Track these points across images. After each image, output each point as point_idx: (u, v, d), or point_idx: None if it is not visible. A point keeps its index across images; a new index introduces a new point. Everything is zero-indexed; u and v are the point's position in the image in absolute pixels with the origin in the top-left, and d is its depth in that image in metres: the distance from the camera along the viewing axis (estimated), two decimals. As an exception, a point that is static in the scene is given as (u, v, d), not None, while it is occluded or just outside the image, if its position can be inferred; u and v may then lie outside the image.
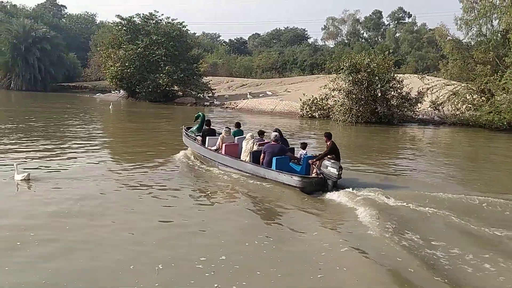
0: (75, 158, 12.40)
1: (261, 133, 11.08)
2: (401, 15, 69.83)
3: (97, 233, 6.67)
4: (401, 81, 23.99)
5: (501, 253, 6.18)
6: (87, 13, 72.95)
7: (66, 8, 76.17)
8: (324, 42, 72.28)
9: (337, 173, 8.84)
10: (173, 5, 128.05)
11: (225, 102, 34.74)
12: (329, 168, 8.94)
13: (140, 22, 37.52)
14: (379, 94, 23.87)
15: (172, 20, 37.55)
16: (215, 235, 6.71)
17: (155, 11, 37.79)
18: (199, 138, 12.17)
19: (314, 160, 9.51)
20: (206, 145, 11.58)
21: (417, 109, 24.50)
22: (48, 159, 12.08)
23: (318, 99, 26.32)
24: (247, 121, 25.20)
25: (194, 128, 13.25)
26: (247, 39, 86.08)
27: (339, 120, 23.56)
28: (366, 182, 9.78)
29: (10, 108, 32.37)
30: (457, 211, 7.89)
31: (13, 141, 14.80)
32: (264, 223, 7.68)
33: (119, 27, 37.67)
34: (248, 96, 34.85)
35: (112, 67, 35.96)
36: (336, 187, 9.03)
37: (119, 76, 36.33)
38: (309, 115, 26.34)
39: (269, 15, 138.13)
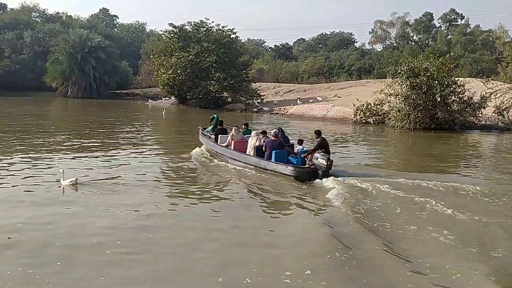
0: (126, 163, 12.78)
1: (263, 133, 12.61)
2: (453, 16, 67.19)
3: (161, 243, 6.76)
4: (463, 85, 22.98)
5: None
6: (138, 22, 75.39)
7: (118, 18, 79.06)
8: (372, 45, 70.87)
9: (325, 163, 10.58)
10: (218, 12, 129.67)
11: (275, 108, 34.62)
12: (319, 159, 10.68)
13: (191, 30, 38.15)
14: (439, 99, 22.97)
15: (223, 27, 37.94)
16: (285, 245, 6.90)
17: (205, 18, 38.40)
18: (212, 136, 14.14)
19: (306, 154, 11.20)
20: (218, 142, 13.47)
21: (479, 115, 23.38)
22: (98, 164, 12.53)
23: (372, 105, 25.70)
24: (298, 127, 24.99)
25: (209, 128, 15.14)
26: (292, 45, 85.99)
27: (397, 126, 22.83)
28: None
29: (67, 114, 33.90)
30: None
31: (67, 146, 15.40)
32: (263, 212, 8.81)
33: (171, 35, 38.45)
34: (298, 101, 34.55)
35: (164, 74, 36.76)
36: (327, 176, 10.66)
37: (171, 83, 37.08)
38: (363, 121, 25.75)
39: (313, 20, 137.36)
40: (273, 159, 11.31)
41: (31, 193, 9.34)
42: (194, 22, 38.22)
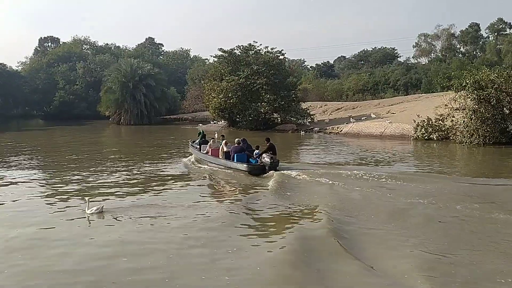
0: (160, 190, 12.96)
1: (238, 142, 15.89)
2: (501, 26, 65.14)
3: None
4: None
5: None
6: (182, 49, 77.55)
7: (163, 46, 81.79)
8: (417, 59, 69.58)
9: (269, 161, 14.26)
10: (259, 36, 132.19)
11: (327, 128, 34.29)
12: (266, 159, 14.45)
13: (240, 54, 38.75)
14: (507, 111, 22.03)
15: (271, 48, 38.32)
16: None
17: (254, 41, 38.96)
18: (197, 146, 18.27)
19: (257, 155, 15.02)
20: (201, 150, 17.48)
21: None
22: (129, 190, 12.76)
23: (434, 120, 24.96)
24: (356, 146, 24.55)
25: (197, 141, 19.17)
26: (332, 62, 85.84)
27: (465, 142, 21.96)
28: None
29: (121, 140, 35.00)
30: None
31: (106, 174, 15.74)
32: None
33: (221, 59, 39.18)
34: (350, 119, 34.09)
35: (215, 98, 37.36)
36: (276, 170, 14.11)
37: (222, 107, 37.60)
38: (425, 137, 25.00)
39: (353, 37, 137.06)
40: (235, 160, 15.17)
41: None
42: (242, 46, 38.82)
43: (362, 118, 35.16)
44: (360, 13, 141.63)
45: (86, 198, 10.06)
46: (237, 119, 38.08)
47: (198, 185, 14.01)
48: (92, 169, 16.80)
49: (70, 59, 66.97)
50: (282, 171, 14.06)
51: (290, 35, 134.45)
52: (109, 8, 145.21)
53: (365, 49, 78.65)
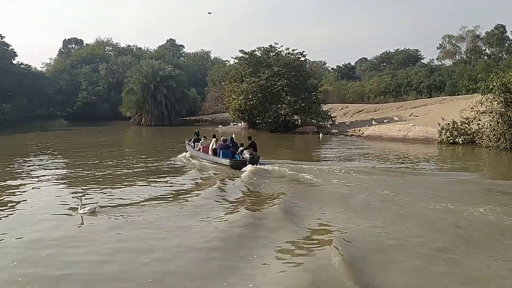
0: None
1: (224, 140, 18.21)
2: (528, 27, 63.39)
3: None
4: None
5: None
6: (203, 51, 77.88)
7: (184, 47, 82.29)
8: (441, 61, 68.20)
9: (249, 157, 16.29)
10: (280, 37, 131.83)
11: (348, 130, 33.85)
12: (246, 155, 16.53)
13: (260, 55, 38.58)
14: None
15: (292, 50, 38.05)
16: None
17: (275, 43, 38.79)
18: (191, 144, 20.96)
19: (239, 152, 17.12)
20: (194, 148, 20.16)
21: None
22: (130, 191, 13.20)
23: (459, 123, 24.32)
24: (379, 149, 24.10)
25: (192, 139, 21.57)
26: (354, 64, 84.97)
27: (492, 146, 21.30)
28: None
29: (140, 140, 35.27)
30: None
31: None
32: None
33: (242, 61, 39.08)
34: (372, 122, 33.56)
35: (235, 100, 37.27)
36: (255, 165, 16.09)
37: (242, 109, 37.49)
38: (450, 141, 24.36)
39: (375, 39, 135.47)
40: (220, 156, 17.37)
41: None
42: (263, 47, 38.64)
43: (384, 121, 34.57)
44: (383, 15, 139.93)
45: (80, 198, 10.18)
46: (257, 121, 37.90)
47: (185, 178, 15.79)
48: (100, 168, 17.48)
49: (93, 60, 67.94)
50: (259, 166, 16.08)
51: (311, 37, 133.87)
52: (132, 11, 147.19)
53: (387, 51, 77.62)
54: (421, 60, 71.69)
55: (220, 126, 45.27)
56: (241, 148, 17.25)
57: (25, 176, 16.01)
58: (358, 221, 9.44)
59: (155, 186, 13.97)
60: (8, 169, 17.83)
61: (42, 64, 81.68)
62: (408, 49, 74.70)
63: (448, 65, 65.84)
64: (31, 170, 17.47)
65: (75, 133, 41.17)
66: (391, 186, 12.76)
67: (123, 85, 55.83)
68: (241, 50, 38.76)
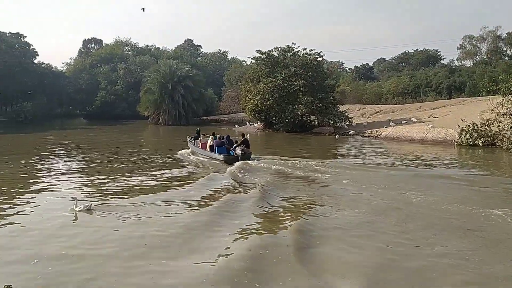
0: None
1: (220, 137, 19.87)
2: (552, 27, 61.85)
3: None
4: None
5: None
6: (220, 51, 78.12)
7: (201, 47, 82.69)
8: (461, 62, 67.07)
9: (241, 153, 17.93)
10: (297, 37, 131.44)
11: (366, 131, 33.53)
12: (238, 151, 18.20)
13: (278, 55, 38.51)
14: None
15: (310, 50, 37.86)
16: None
17: (292, 43, 38.64)
18: (192, 141, 22.49)
19: (232, 148, 18.81)
20: (195, 144, 21.81)
21: None
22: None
23: (479, 125, 23.87)
24: (398, 151, 23.81)
25: (193, 136, 23.06)
26: (372, 65, 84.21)
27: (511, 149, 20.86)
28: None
29: (159, 139, 35.59)
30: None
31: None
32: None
33: (259, 61, 39.06)
34: (390, 123, 33.18)
35: (252, 100, 37.26)
36: (246, 160, 17.68)
37: (258, 109, 37.47)
38: (470, 143, 23.92)
39: (393, 39, 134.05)
40: (216, 152, 19.01)
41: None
42: (280, 47, 38.54)
43: (402, 122, 34.15)
44: (402, 15, 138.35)
45: (75, 197, 10.42)
46: (274, 121, 37.84)
47: (182, 171, 17.18)
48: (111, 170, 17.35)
49: (112, 60, 68.75)
50: (248, 161, 17.62)
51: (329, 37, 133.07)
52: (150, 11, 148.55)
53: (406, 51, 76.74)
54: (441, 61, 70.66)
55: (237, 126, 45.33)
56: (235, 144, 18.87)
57: (43, 172, 16.48)
58: (323, 209, 10.69)
59: (153, 177, 15.55)
60: (27, 165, 18.17)
61: (63, 63, 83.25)
62: (428, 49, 73.75)
63: (469, 65, 64.77)
64: (49, 167, 17.88)
65: (95, 132, 41.72)
66: (372, 179, 14.17)
67: (141, 85, 56.37)
68: (258, 50, 38.80)
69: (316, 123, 37.96)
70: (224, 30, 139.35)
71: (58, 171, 16.82)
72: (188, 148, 22.46)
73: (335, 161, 19.61)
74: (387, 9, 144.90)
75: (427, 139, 27.05)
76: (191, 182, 14.30)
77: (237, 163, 17.12)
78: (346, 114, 37.76)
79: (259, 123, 41.43)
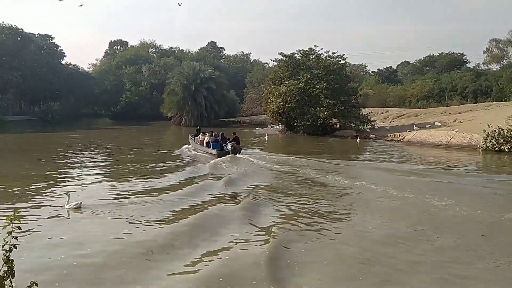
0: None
1: (216, 135, 22.64)
2: None
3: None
4: None
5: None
6: (243, 53, 78.59)
7: (224, 49, 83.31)
8: (487, 66, 65.67)
9: (231, 148, 21.00)
10: (320, 40, 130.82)
11: (388, 135, 33.20)
12: (229, 147, 21.25)
13: (300, 58, 38.53)
14: None
15: (333, 53, 37.76)
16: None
17: (314, 46, 38.60)
18: (193, 138, 25.45)
19: (225, 144, 21.65)
20: (195, 141, 24.76)
21: None
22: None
23: (506, 130, 23.38)
24: (421, 155, 23.56)
25: (194, 134, 25.92)
26: (395, 68, 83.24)
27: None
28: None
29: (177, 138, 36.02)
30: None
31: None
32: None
33: (281, 63, 39.16)
34: (414, 127, 32.78)
35: (274, 102, 37.35)
36: (236, 154, 20.71)
37: (280, 111, 37.54)
38: (496, 148, 23.46)
39: (418, 42, 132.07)
40: (211, 147, 21.86)
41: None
42: (303, 50, 38.58)
43: (426, 126, 33.71)
44: (427, 17, 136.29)
45: (68, 194, 10.57)
46: (295, 124, 37.75)
47: (182, 162, 20.28)
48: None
49: (136, 61, 69.92)
50: (236, 155, 20.61)
51: (352, 39, 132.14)
52: (174, 14, 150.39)
53: (431, 54, 75.55)
54: (467, 64, 69.34)
55: (258, 128, 45.51)
56: (228, 142, 21.88)
57: (58, 170, 17.07)
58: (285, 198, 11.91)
59: (151, 171, 17.23)
60: (53, 163, 18.76)
61: (89, 64, 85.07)
62: (453, 52, 72.41)
63: (495, 69, 63.45)
64: (63, 165, 18.63)
65: (118, 132, 42.60)
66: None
67: (165, 86, 57.12)
68: (281, 52, 38.91)
69: (338, 126, 37.78)
70: (248, 33, 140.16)
71: (73, 169, 17.46)
72: (190, 144, 25.52)
73: (336, 161, 19.97)
74: (412, 11, 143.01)
75: (451, 144, 26.62)
76: (178, 176, 15.83)
77: (226, 156, 20.18)
78: (368, 117, 37.45)
79: (280, 125, 41.47)
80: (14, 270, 3.69)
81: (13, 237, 3.75)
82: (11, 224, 3.78)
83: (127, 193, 12.42)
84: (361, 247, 7.78)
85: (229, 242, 7.96)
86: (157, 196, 11.90)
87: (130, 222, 9.27)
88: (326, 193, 12.69)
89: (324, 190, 13.16)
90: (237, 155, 20.80)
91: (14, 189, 12.92)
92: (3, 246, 3.73)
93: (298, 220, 9.55)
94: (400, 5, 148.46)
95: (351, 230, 9.04)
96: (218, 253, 7.37)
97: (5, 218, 3.93)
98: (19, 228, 3.83)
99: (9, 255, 3.69)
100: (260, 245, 7.81)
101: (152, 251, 7.45)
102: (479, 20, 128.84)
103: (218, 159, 19.77)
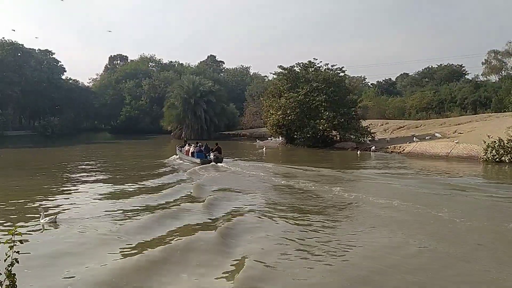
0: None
1: (200, 146, 25.10)
2: None
3: None
4: None
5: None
6: (242, 67, 79.01)
7: (224, 63, 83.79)
8: (486, 77, 65.89)
9: (213, 157, 23.44)
10: (319, 53, 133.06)
11: (388, 146, 33.13)
12: (211, 156, 23.72)
13: (299, 71, 38.68)
14: None
15: (332, 66, 37.92)
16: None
17: (314, 58, 38.78)
18: (180, 148, 27.75)
19: (208, 153, 24.20)
20: (181, 151, 26.75)
21: None
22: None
23: (505, 141, 23.33)
24: (421, 167, 23.46)
25: (181, 145, 28.36)
26: (395, 80, 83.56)
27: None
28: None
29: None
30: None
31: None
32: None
33: (280, 76, 39.31)
34: (414, 139, 32.72)
35: (274, 115, 37.41)
36: (218, 163, 23.07)
37: (280, 124, 37.57)
38: (496, 159, 23.39)
39: (416, 54, 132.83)
40: (196, 157, 24.03)
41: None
42: (302, 63, 38.76)
43: (426, 138, 33.64)
44: (425, 30, 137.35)
45: (42, 209, 10.59)
46: (295, 136, 37.73)
47: (165, 170, 22.01)
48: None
49: (136, 76, 70.33)
50: (218, 163, 22.84)
51: (351, 52, 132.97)
52: (174, 28, 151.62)
53: (430, 66, 75.89)
54: (465, 76, 69.62)
55: (258, 140, 45.51)
56: (211, 152, 24.24)
57: (50, 185, 16.89)
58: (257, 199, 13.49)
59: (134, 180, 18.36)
60: (51, 178, 18.68)
61: (89, 79, 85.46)
62: (452, 64, 72.75)
63: (494, 81, 63.63)
64: (64, 180, 18.34)
65: (118, 147, 42.53)
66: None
67: (165, 100, 57.35)
68: (280, 65, 39.08)
69: (338, 138, 37.75)
70: (247, 46, 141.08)
71: (62, 184, 17.32)
72: (177, 155, 27.65)
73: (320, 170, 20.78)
74: (410, 24, 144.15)
75: (451, 155, 26.56)
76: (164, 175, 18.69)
77: (208, 165, 22.19)
78: (368, 129, 37.44)
79: (280, 138, 41.48)
80: (16, 285, 3.64)
81: (15, 251, 3.72)
82: (13, 237, 3.76)
83: (108, 206, 12.56)
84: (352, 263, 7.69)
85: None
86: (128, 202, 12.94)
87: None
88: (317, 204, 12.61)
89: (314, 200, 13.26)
90: (218, 164, 22.78)
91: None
92: (4, 260, 3.68)
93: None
94: (397, 18, 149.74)
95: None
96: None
97: (7, 232, 4.01)
98: (21, 242, 3.82)
99: (11, 269, 3.66)
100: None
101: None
102: (477, 32, 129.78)
103: (198, 167, 21.73)
